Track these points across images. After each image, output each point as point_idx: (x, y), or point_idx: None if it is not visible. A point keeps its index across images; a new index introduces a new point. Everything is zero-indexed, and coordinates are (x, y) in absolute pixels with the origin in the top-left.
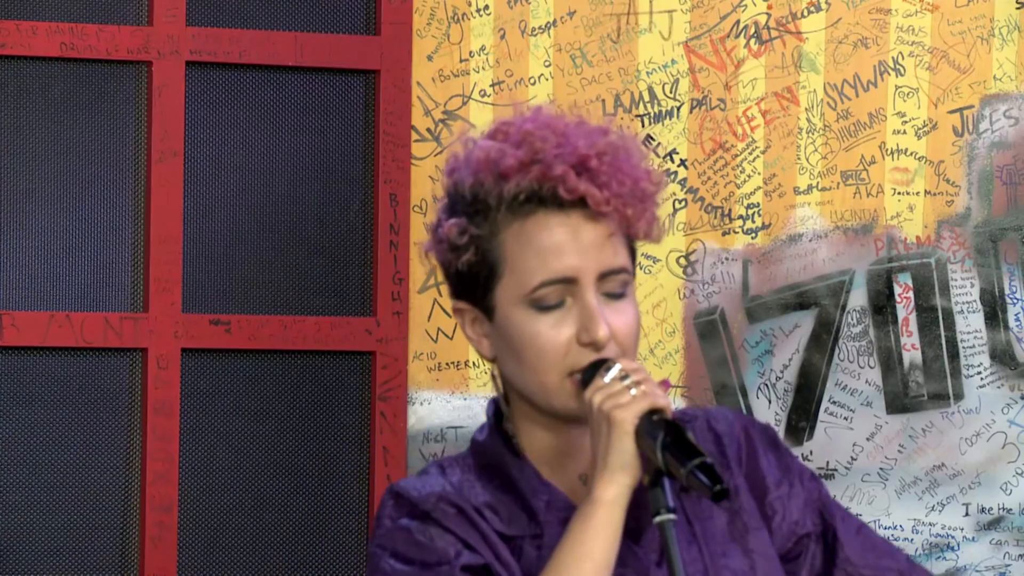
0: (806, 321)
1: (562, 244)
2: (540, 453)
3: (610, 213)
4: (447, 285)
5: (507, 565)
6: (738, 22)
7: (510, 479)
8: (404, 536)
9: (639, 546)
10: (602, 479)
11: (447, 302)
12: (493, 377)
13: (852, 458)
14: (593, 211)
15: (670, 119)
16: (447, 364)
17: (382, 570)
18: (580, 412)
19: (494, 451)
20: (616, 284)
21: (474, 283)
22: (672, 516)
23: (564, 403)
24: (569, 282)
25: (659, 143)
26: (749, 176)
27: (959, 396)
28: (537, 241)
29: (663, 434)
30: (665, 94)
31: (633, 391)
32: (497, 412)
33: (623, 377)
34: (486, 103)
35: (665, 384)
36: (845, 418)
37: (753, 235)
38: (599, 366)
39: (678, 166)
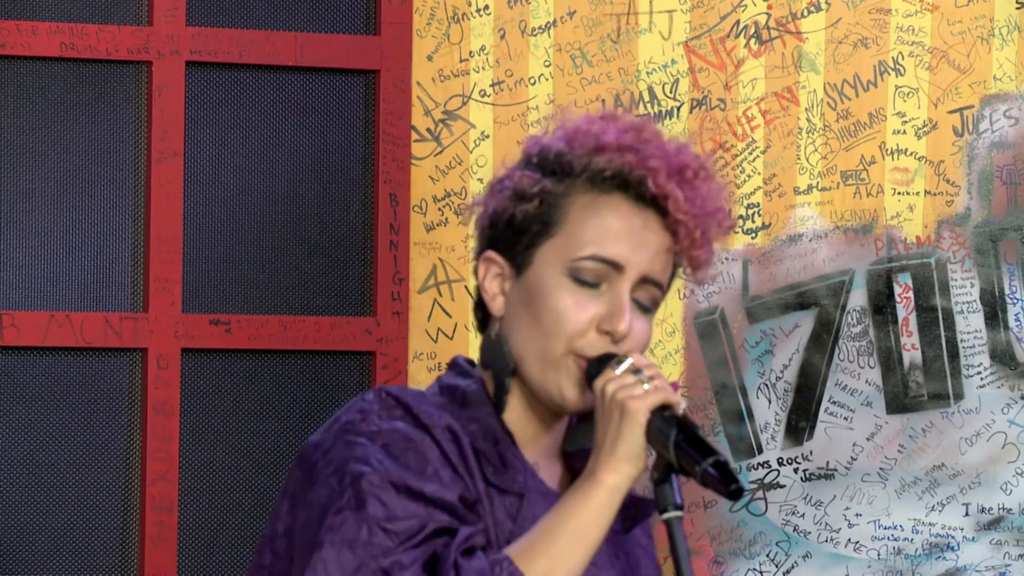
0: (806, 321)
1: (625, 231)
2: (513, 422)
3: (682, 226)
4: (481, 237)
5: (484, 510)
6: (738, 22)
7: (488, 430)
8: (401, 439)
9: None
10: (608, 465)
11: (447, 302)
12: (490, 335)
13: (852, 458)
14: (666, 220)
15: (670, 119)
16: (447, 364)
17: (368, 463)
18: (570, 396)
19: (477, 398)
20: (649, 297)
21: (521, 234)
22: (680, 513)
23: (559, 381)
24: (615, 268)
25: None
26: (749, 176)
27: (959, 396)
28: (605, 218)
29: (676, 431)
30: (665, 94)
31: (646, 385)
32: (470, 363)
33: (635, 371)
34: (486, 103)
35: (674, 386)
36: (845, 418)
37: (753, 235)
38: (607, 360)
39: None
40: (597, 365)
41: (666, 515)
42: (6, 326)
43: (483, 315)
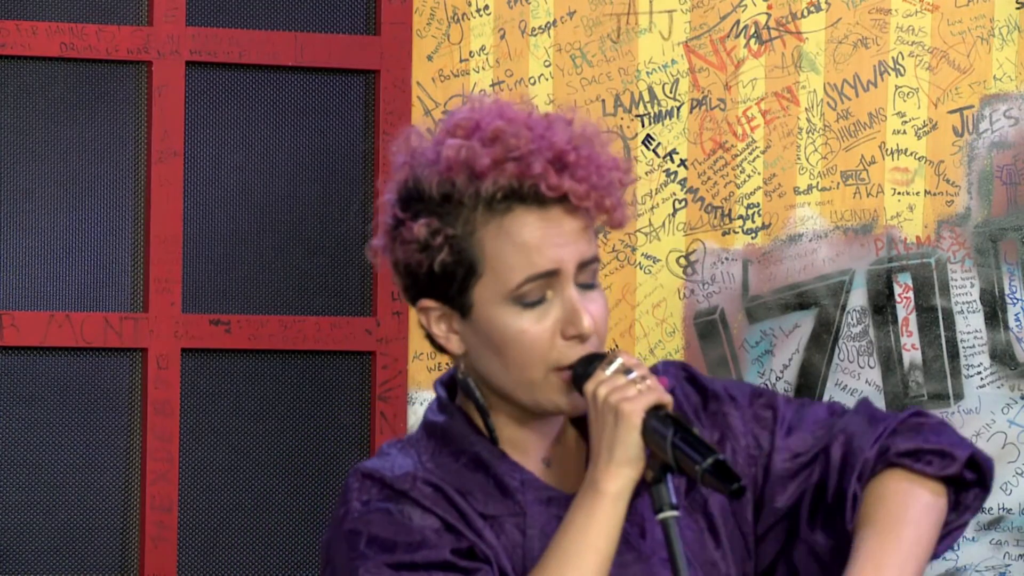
0: (806, 321)
1: (543, 239)
2: (505, 438)
3: (590, 207)
4: (404, 284)
5: (491, 546)
6: (738, 22)
7: (478, 459)
8: (381, 518)
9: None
10: (608, 472)
11: None
12: (458, 370)
13: None
14: (572, 205)
15: (670, 119)
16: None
17: (360, 554)
18: (566, 406)
19: (458, 431)
20: (589, 274)
21: (448, 282)
22: (676, 513)
23: (549, 397)
24: (551, 275)
25: (659, 143)
26: (749, 176)
27: (959, 396)
28: (518, 238)
29: (673, 430)
30: (665, 94)
31: (639, 386)
32: (451, 393)
33: (626, 371)
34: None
35: (663, 382)
36: None
37: (753, 235)
38: (592, 360)
39: (678, 166)
40: (584, 366)
41: (662, 515)
42: (6, 326)
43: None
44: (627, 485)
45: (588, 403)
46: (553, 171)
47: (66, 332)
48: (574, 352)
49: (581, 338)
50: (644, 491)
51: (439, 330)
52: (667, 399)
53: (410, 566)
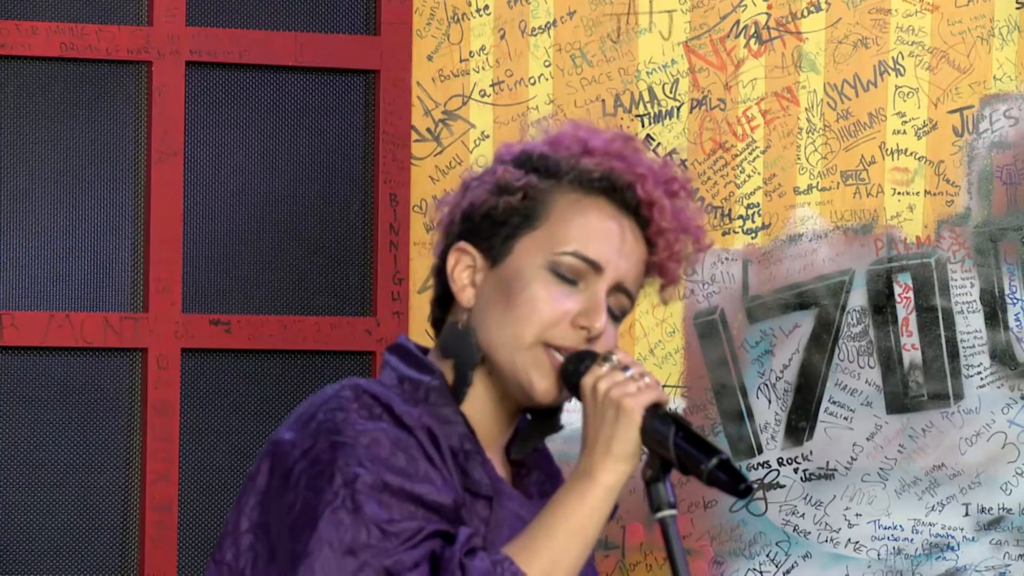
0: (806, 321)
1: (608, 233)
2: (475, 421)
3: (663, 237)
4: (451, 228)
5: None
6: (738, 22)
7: (453, 429)
8: (389, 441)
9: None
10: (603, 464)
11: None
12: (457, 326)
13: (852, 458)
14: (647, 230)
15: (670, 119)
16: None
17: (361, 465)
18: (538, 386)
19: (439, 395)
20: (619, 305)
21: (500, 225)
22: (674, 512)
23: (527, 369)
24: (595, 268)
25: (659, 143)
26: (749, 176)
27: (959, 396)
28: (589, 217)
29: (675, 429)
30: (665, 94)
31: (639, 383)
32: (422, 349)
33: (624, 368)
34: (486, 103)
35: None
36: (845, 418)
37: (753, 235)
38: (586, 357)
39: (678, 166)
40: (575, 362)
41: (660, 514)
42: (6, 326)
43: (441, 314)
44: (621, 480)
45: (585, 397)
46: (653, 183)
47: (66, 332)
48: (572, 340)
49: (589, 332)
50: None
51: (461, 277)
52: (665, 398)
53: (412, 497)
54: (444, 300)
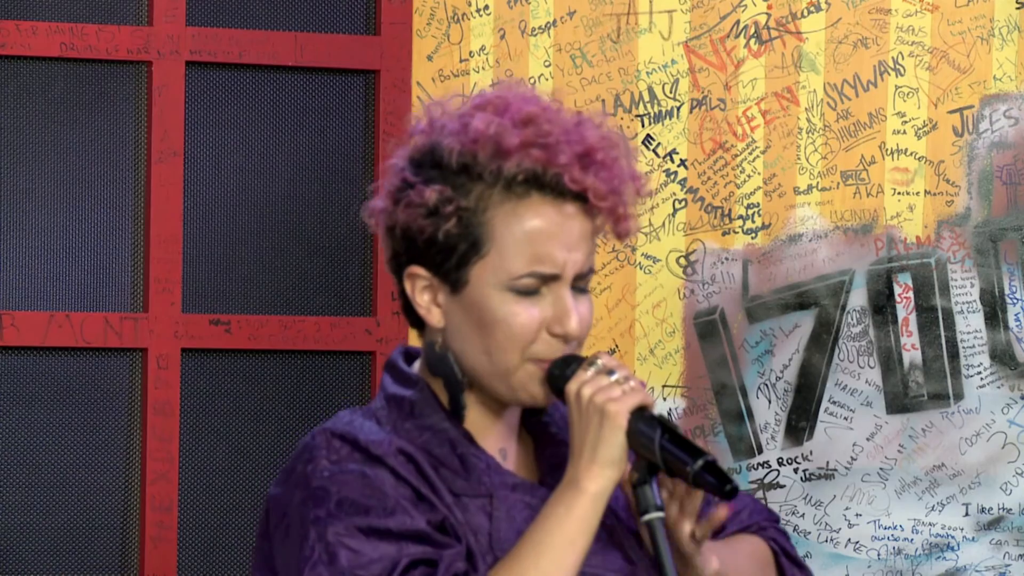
0: (806, 321)
1: (553, 236)
2: (469, 422)
3: (604, 209)
4: (396, 249)
5: (459, 522)
6: (738, 22)
7: (444, 436)
8: (354, 480)
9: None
10: (590, 472)
11: None
12: (434, 344)
13: (852, 458)
14: (587, 205)
15: (670, 119)
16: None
17: (330, 513)
18: (541, 397)
19: (426, 406)
20: (584, 281)
21: (447, 254)
22: (661, 514)
23: (526, 387)
24: (554, 279)
25: (659, 143)
26: (749, 176)
27: (959, 396)
28: (530, 227)
29: (660, 432)
30: (665, 94)
31: (623, 386)
32: (410, 356)
33: (609, 372)
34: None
35: (641, 384)
36: (845, 418)
37: (753, 235)
38: (569, 362)
39: (678, 166)
40: (560, 367)
41: (647, 517)
42: (6, 326)
43: (416, 318)
44: (608, 486)
45: (570, 403)
46: (579, 165)
47: (66, 332)
48: (554, 350)
49: (566, 338)
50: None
51: (422, 300)
52: (650, 400)
53: (383, 532)
54: (411, 310)
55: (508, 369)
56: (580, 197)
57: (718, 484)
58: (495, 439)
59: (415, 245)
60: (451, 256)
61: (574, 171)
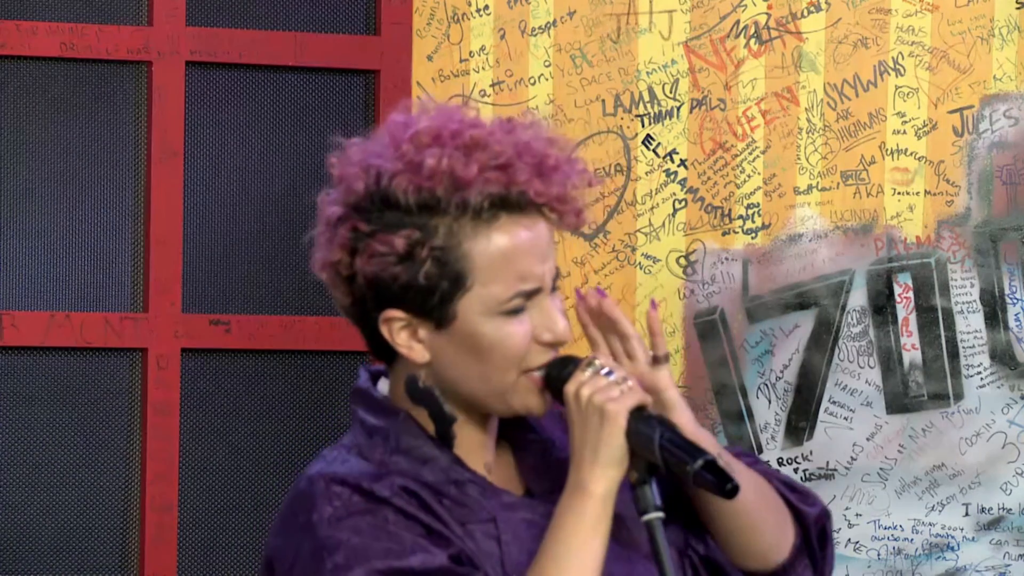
0: (806, 321)
1: (528, 252)
2: (464, 446)
3: (566, 212)
4: (361, 296)
5: (473, 552)
6: (738, 22)
7: (431, 462)
8: (365, 525)
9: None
10: (593, 473)
11: None
12: (418, 379)
13: (852, 458)
14: (548, 211)
15: (670, 119)
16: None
17: (339, 567)
18: (538, 407)
19: (410, 435)
20: (556, 282)
21: (427, 294)
22: (661, 514)
23: (523, 400)
24: (535, 292)
25: (659, 143)
26: (749, 176)
27: (959, 396)
28: (507, 250)
29: (659, 431)
30: (665, 94)
31: (621, 386)
32: (373, 378)
33: (607, 373)
34: (486, 103)
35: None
36: (845, 418)
37: (753, 235)
38: (566, 363)
39: (678, 166)
40: (557, 368)
41: (647, 517)
42: (6, 326)
43: (387, 354)
44: (613, 486)
45: (569, 404)
46: (538, 178)
47: (66, 332)
48: (544, 356)
49: (555, 344)
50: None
51: (402, 340)
52: (648, 399)
53: (407, 573)
54: (381, 349)
55: (506, 388)
56: (543, 206)
57: (718, 483)
58: (480, 455)
59: (387, 291)
60: (432, 296)
61: (536, 185)
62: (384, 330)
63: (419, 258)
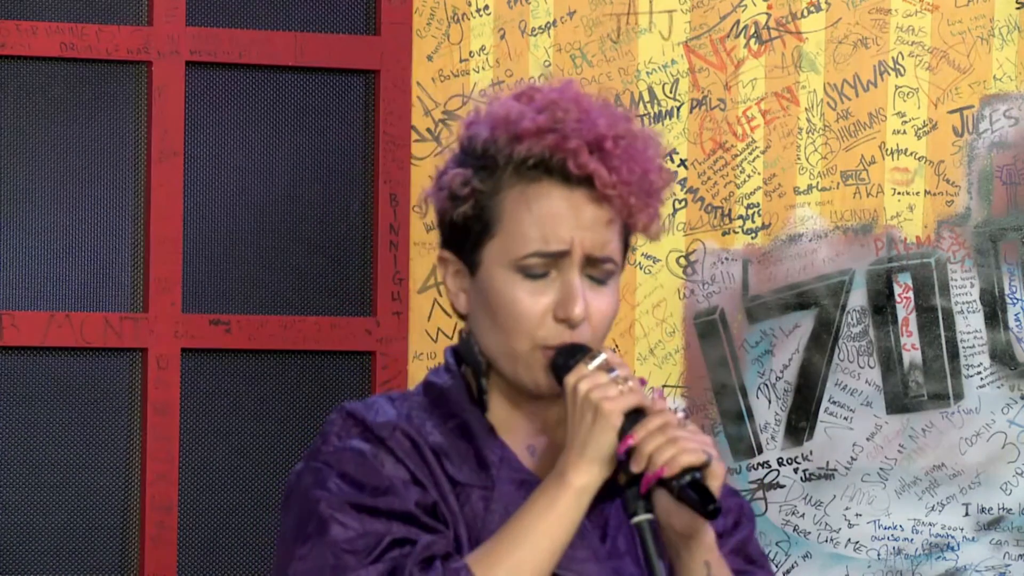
0: (806, 321)
1: (560, 217)
2: (496, 415)
3: (614, 198)
4: (439, 232)
5: (452, 511)
6: (738, 22)
7: (465, 426)
8: (354, 457)
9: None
10: (577, 466)
11: (447, 302)
12: (462, 334)
13: (852, 458)
14: (597, 193)
15: (670, 119)
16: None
17: (326, 488)
18: (545, 386)
19: (455, 395)
20: (602, 272)
21: (465, 236)
22: (650, 516)
23: (530, 373)
24: (560, 256)
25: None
26: (749, 176)
27: (959, 396)
28: (537, 209)
29: None
30: (665, 94)
31: (621, 386)
32: (458, 361)
33: (609, 370)
34: (485, 103)
35: (642, 381)
36: (845, 418)
37: (753, 235)
38: (577, 351)
39: (678, 166)
40: (565, 356)
41: (636, 519)
42: (6, 326)
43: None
44: (594, 482)
45: (567, 395)
46: (586, 151)
47: (66, 332)
48: (562, 336)
49: (569, 323)
50: (619, 495)
51: (452, 285)
52: (647, 403)
53: (371, 510)
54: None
55: (516, 355)
56: (590, 184)
57: (700, 503)
58: (523, 435)
59: (442, 228)
60: (467, 238)
61: (581, 156)
62: (440, 269)
63: (462, 196)
